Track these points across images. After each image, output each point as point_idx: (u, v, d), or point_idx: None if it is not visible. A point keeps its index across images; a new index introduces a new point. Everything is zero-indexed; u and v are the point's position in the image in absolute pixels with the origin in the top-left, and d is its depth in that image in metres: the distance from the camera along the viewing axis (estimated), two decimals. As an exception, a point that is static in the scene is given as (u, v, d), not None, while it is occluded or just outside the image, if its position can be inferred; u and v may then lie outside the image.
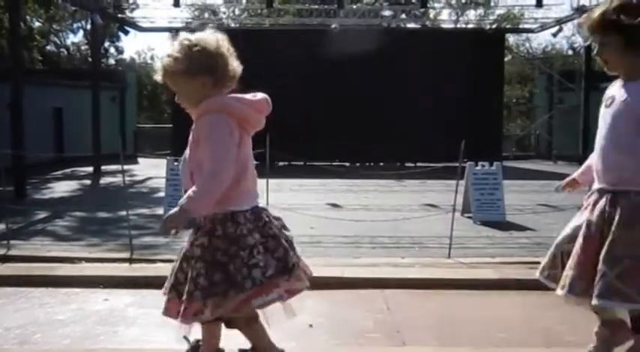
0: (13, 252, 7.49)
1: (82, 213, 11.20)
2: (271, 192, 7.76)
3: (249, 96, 3.07)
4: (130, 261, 7.19)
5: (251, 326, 3.20)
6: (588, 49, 21.26)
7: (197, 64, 2.94)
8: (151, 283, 6.09)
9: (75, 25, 35.74)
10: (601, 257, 3.11)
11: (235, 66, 3.07)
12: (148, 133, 31.13)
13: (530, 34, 32.60)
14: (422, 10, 23.50)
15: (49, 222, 10.27)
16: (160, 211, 10.65)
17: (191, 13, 31.00)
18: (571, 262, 3.27)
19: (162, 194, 11.19)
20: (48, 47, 38.17)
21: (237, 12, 34.80)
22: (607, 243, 3.12)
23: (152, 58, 47.74)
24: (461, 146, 7.92)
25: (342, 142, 21.85)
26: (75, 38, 43.37)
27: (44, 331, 4.70)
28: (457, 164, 8.17)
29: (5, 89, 13.87)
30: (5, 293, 5.80)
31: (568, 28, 26.73)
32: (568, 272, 3.26)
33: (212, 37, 3.04)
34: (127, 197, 8.74)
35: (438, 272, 6.63)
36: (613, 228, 3.12)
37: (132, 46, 71.49)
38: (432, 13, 31.60)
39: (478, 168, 10.45)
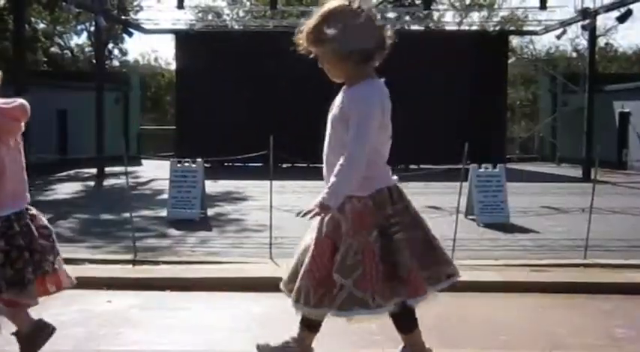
0: (16, 254, 7.49)
1: (86, 214, 11.22)
2: (275, 194, 7.76)
3: (4, 103, 3.12)
4: (134, 262, 7.20)
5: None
6: (592, 51, 21.31)
7: None
8: (154, 285, 6.12)
9: (79, 27, 35.85)
10: (335, 267, 3.11)
11: None
12: (151, 135, 31.16)
13: (533, 36, 32.57)
14: (425, 12, 23.48)
15: (52, 224, 10.16)
16: (164, 213, 10.67)
17: (195, 15, 31.06)
18: (302, 271, 3.22)
19: (165, 196, 11.20)
20: (52, 49, 38.25)
21: (240, 14, 34.84)
22: (340, 251, 3.11)
23: (156, 59, 47.88)
24: (464, 148, 7.91)
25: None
26: (79, 40, 43.40)
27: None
28: (461, 166, 8.17)
29: (10, 91, 13.90)
30: (9, 295, 5.80)
31: (572, 31, 26.67)
32: (301, 282, 3.20)
33: None
34: (131, 199, 8.75)
35: (441, 275, 6.62)
36: (342, 236, 3.12)
37: (136, 47, 71.78)
38: (435, 15, 31.57)
39: (481, 170, 10.44)
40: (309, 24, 3.11)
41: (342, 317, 3.14)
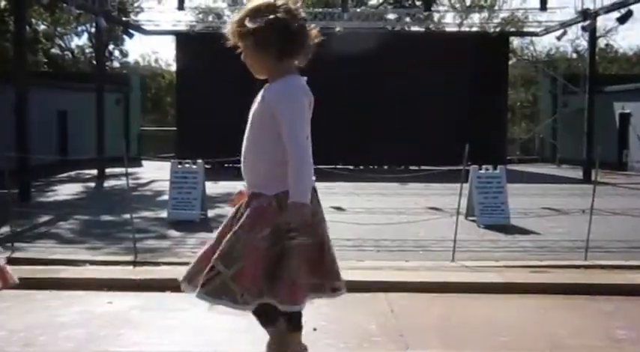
0: (17, 255, 7.50)
1: (86, 215, 11.22)
2: (275, 195, 7.75)
3: None
4: (134, 263, 7.20)
5: None
6: (592, 52, 21.31)
7: None
8: (155, 286, 6.11)
9: (79, 28, 35.79)
10: (219, 253, 3.13)
11: None
12: (152, 136, 31.16)
13: (534, 38, 32.56)
14: (426, 13, 23.48)
15: (53, 225, 10.30)
16: (164, 214, 10.67)
17: (195, 16, 31.06)
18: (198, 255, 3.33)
19: (166, 197, 11.21)
20: (52, 50, 38.26)
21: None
22: (229, 240, 3.13)
23: (156, 60, 47.90)
24: (465, 149, 7.91)
25: (346, 145, 21.85)
26: (79, 41, 43.29)
27: (48, 334, 4.71)
28: (461, 167, 8.18)
29: (10, 91, 13.92)
30: (9, 296, 5.79)
31: (572, 32, 26.66)
32: (194, 266, 3.31)
33: None
34: (131, 200, 8.75)
35: (441, 276, 6.63)
36: (236, 228, 3.15)
37: (136, 49, 71.70)
38: (436, 17, 31.56)
39: (482, 171, 10.44)
40: (234, 18, 3.17)
41: (206, 301, 3.14)
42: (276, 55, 3.12)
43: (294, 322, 3.41)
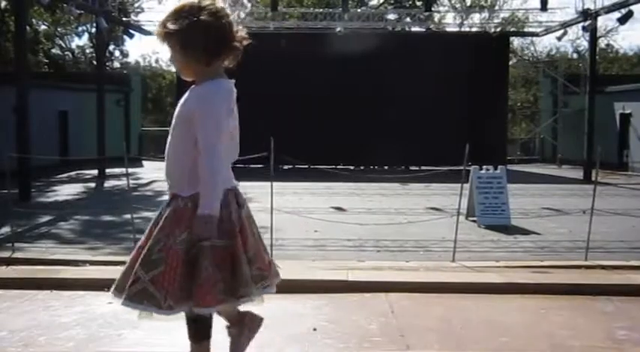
0: (17, 255, 7.50)
1: (87, 216, 11.22)
2: (276, 196, 7.76)
3: None
4: (135, 263, 7.19)
5: None
6: (593, 52, 21.31)
7: None
8: (155, 286, 6.11)
9: (80, 29, 35.82)
10: (141, 259, 3.14)
11: None
12: (152, 136, 31.16)
13: (534, 38, 32.56)
14: (426, 13, 23.48)
15: (53, 225, 10.30)
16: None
17: (196, 17, 31.07)
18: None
19: (166, 197, 11.19)
20: (53, 50, 38.27)
21: (242, 15, 34.79)
22: (149, 244, 3.13)
23: (157, 61, 47.88)
24: (465, 149, 7.91)
25: (347, 145, 21.86)
26: (80, 41, 43.34)
27: (48, 334, 4.70)
28: (462, 167, 8.17)
29: (11, 92, 13.92)
30: (10, 296, 5.81)
31: (573, 32, 26.73)
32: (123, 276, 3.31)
33: None
34: (132, 200, 8.76)
35: (442, 276, 6.63)
36: (155, 231, 3.14)
37: (137, 49, 71.67)
38: (436, 17, 31.57)
39: (483, 171, 10.44)
40: (160, 19, 3.14)
41: (129, 308, 3.16)
42: (200, 56, 3.08)
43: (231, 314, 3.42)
